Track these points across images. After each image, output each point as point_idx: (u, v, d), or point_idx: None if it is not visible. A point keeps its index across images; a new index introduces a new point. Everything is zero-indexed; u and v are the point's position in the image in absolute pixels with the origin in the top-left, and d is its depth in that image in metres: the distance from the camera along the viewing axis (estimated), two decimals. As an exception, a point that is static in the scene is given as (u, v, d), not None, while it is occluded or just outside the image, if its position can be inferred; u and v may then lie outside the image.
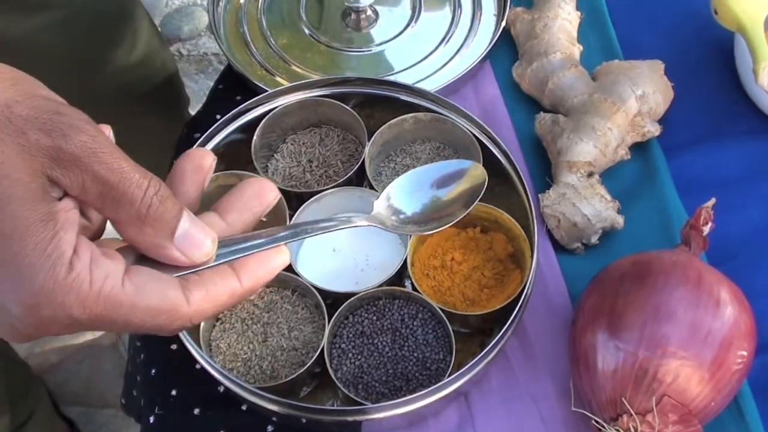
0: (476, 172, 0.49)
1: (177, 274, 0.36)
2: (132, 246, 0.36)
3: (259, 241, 0.38)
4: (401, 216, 0.48)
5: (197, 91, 1.70)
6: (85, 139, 0.32)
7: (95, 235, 0.37)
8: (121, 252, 0.35)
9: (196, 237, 0.36)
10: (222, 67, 0.83)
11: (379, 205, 0.48)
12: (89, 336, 1.41)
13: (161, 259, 0.35)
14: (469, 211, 0.47)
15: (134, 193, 0.33)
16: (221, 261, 0.37)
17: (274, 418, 0.59)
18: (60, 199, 0.33)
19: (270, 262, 0.39)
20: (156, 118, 1.13)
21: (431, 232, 0.47)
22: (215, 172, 0.64)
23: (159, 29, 1.79)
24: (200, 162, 0.39)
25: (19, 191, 0.31)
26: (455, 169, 0.49)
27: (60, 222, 0.32)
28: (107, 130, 0.36)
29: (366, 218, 0.46)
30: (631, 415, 0.50)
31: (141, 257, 0.36)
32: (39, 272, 0.31)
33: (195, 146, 0.65)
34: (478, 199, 0.48)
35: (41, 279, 0.31)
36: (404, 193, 0.48)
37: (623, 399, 0.51)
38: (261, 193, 0.40)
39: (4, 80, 0.33)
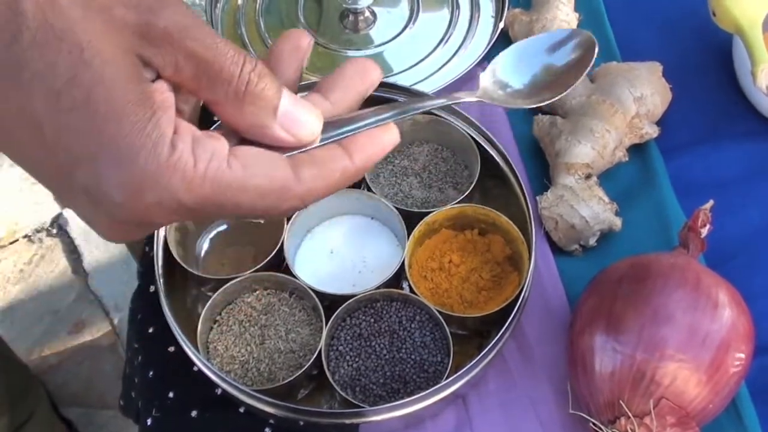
0: (584, 39, 0.45)
1: (286, 154, 0.34)
2: (233, 130, 0.33)
3: (367, 120, 0.36)
4: (508, 89, 0.44)
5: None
6: (175, 14, 0.30)
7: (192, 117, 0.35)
8: (225, 135, 0.33)
9: (300, 114, 0.34)
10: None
11: (485, 80, 0.45)
12: (88, 337, 1.41)
13: (265, 140, 0.33)
14: (580, 79, 0.44)
15: (231, 69, 0.31)
16: (329, 141, 0.35)
17: (271, 421, 0.59)
18: (153, 81, 0.31)
19: (381, 139, 0.36)
20: None
21: (543, 103, 0.44)
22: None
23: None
24: (298, 42, 0.36)
25: (111, 71, 0.29)
26: (561, 37, 0.46)
27: (157, 102, 0.30)
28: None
29: (474, 94, 0.43)
30: (629, 417, 0.50)
31: (243, 141, 0.33)
32: (140, 153, 0.29)
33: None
34: (588, 68, 0.44)
35: (143, 160, 0.29)
36: (511, 65, 0.45)
37: (621, 401, 0.51)
38: (364, 71, 0.38)
39: None
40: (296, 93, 0.35)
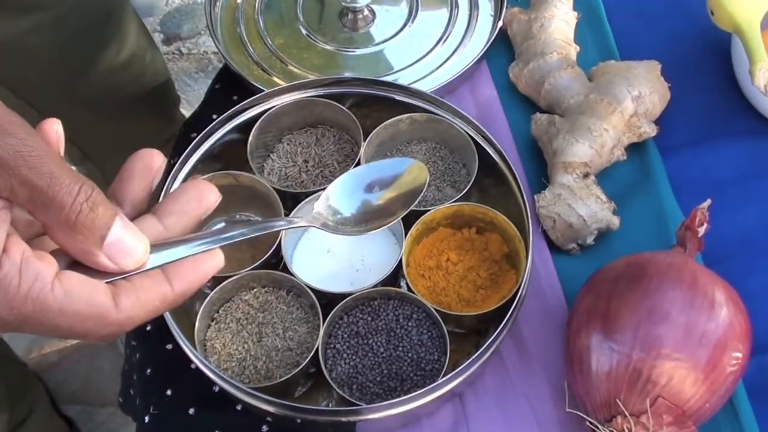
0: (417, 171, 0.48)
1: (107, 280, 0.36)
2: (64, 252, 0.35)
3: (196, 245, 0.38)
4: (338, 216, 0.47)
5: (197, 90, 1.70)
6: (13, 143, 0.32)
7: (39, 232, 0.36)
8: (55, 255, 0.35)
9: (127, 244, 0.35)
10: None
11: (320, 205, 0.47)
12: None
13: (91, 266, 0.35)
14: (407, 210, 0.46)
15: (63, 198, 0.33)
16: (152, 266, 0.37)
17: (268, 418, 0.59)
18: None
19: (203, 265, 0.38)
20: (146, 117, 1.14)
21: (366, 233, 0.47)
22: (211, 171, 0.64)
23: (159, 28, 1.80)
24: (150, 162, 0.38)
25: None
26: (395, 169, 0.48)
27: None
28: (55, 125, 0.36)
29: (306, 219, 0.46)
30: (626, 416, 0.50)
31: (74, 261, 0.36)
32: None
33: (191, 146, 0.65)
34: (417, 199, 0.47)
35: None
36: (344, 193, 0.48)
37: (617, 400, 0.51)
38: (200, 196, 0.39)
39: None
40: (145, 210, 0.38)
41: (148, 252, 0.36)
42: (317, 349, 0.57)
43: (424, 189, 0.47)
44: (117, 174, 0.38)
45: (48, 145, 0.34)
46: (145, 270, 0.36)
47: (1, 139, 0.32)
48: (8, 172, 0.32)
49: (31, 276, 0.32)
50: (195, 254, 0.37)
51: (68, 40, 0.94)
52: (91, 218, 0.34)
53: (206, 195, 0.39)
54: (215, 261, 0.38)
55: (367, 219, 0.47)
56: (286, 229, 0.43)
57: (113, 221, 0.35)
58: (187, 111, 1.28)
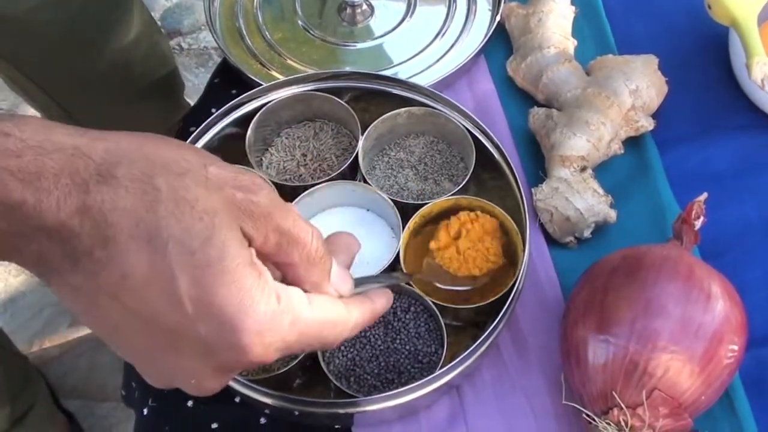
0: None
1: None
2: (297, 284, 0.40)
3: (372, 284, 0.47)
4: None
5: (197, 85, 1.70)
6: (268, 194, 0.37)
7: None
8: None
9: (342, 274, 0.42)
10: (222, 62, 0.83)
11: None
12: (88, 329, 1.41)
13: (320, 294, 0.41)
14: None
15: (305, 238, 0.38)
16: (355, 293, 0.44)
17: (266, 411, 0.59)
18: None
19: (386, 294, 0.46)
20: (152, 101, 1.14)
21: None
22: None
23: (159, 23, 1.80)
24: (349, 243, 0.47)
25: (233, 237, 0.35)
26: None
27: (259, 264, 0.36)
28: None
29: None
30: (622, 408, 0.50)
31: None
32: (260, 305, 0.35)
33: (189, 140, 0.65)
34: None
35: (263, 310, 0.35)
36: None
37: (614, 392, 0.51)
38: (350, 246, 0.46)
39: (188, 148, 0.37)
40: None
41: (352, 282, 0.43)
42: (315, 342, 0.57)
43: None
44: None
45: None
46: (354, 294, 0.44)
47: (260, 192, 0.36)
48: (267, 219, 0.36)
49: (297, 300, 0.38)
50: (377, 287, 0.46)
51: (75, 18, 0.95)
52: (322, 254, 0.40)
53: (355, 244, 0.47)
54: (391, 296, 0.47)
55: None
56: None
57: (332, 261, 0.41)
58: (190, 103, 1.29)
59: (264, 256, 0.38)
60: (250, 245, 0.36)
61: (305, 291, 0.40)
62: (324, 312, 0.39)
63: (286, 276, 0.40)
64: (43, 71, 1.01)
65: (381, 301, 0.45)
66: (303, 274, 0.39)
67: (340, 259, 0.44)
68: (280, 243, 0.38)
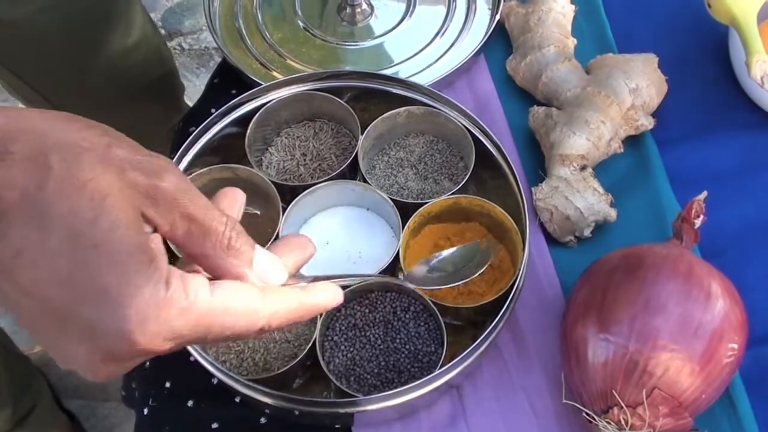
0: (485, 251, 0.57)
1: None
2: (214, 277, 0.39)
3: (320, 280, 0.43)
4: (441, 273, 0.55)
5: (198, 86, 1.70)
6: (176, 180, 0.35)
7: None
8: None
9: (269, 263, 0.40)
10: (223, 62, 0.83)
11: (421, 270, 0.55)
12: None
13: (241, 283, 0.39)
14: (480, 271, 0.55)
15: (218, 227, 0.37)
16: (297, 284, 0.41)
17: (266, 410, 0.59)
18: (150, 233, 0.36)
19: (332, 289, 0.42)
20: (152, 104, 1.14)
21: (455, 284, 0.55)
22: (210, 165, 0.65)
23: (160, 23, 1.80)
24: (234, 198, 0.43)
25: (126, 220, 0.34)
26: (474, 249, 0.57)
27: (155, 249, 0.35)
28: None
29: (412, 282, 0.55)
30: (622, 407, 0.50)
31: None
32: (144, 290, 0.34)
33: (189, 139, 0.65)
34: (486, 265, 0.55)
35: (147, 297, 0.34)
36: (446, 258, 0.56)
37: (614, 391, 0.51)
38: (304, 246, 0.43)
39: (95, 127, 0.36)
40: None
41: (286, 273, 0.41)
42: (315, 341, 0.57)
43: (491, 259, 0.56)
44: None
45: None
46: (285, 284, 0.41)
47: (165, 176, 0.35)
48: (173, 205, 0.35)
49: (194, 288, 0.35)
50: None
51: (75, 23, 0.95)
52: (241, 243, 0.38)
53: (309, 246, 0.44)
54: (340, 292, 0.43)
55: (455, 276, 0.55)
56: (391, 282, 0.55)
57: (255, 248, 0.39)
58: (189, 104, 1.29)
59: (179, 246, 0.37)
60: (156, 231, 0.36)
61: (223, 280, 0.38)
62: (228, 301, 0.37)
63: (203, 266, 0.38)
64: (41, 76, 1.01)
65: (322, 295, 0.42)
66: (219, 263, 0.38)
67: (290, 256, 0.42)
68: (190, 231, 0.36)
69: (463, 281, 0.54)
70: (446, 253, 0.57)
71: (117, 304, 0.33)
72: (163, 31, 1.80)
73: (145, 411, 0.62)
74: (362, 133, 0.65)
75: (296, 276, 0.43)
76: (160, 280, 0.34)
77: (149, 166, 0.35)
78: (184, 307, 0.35)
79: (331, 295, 0.42)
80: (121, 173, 0.34)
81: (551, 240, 0.65)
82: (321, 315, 0.58)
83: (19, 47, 0.94)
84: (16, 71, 0.98)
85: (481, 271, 0.55)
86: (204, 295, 0.36)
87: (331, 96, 0.67)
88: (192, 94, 1.51)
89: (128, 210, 0.34)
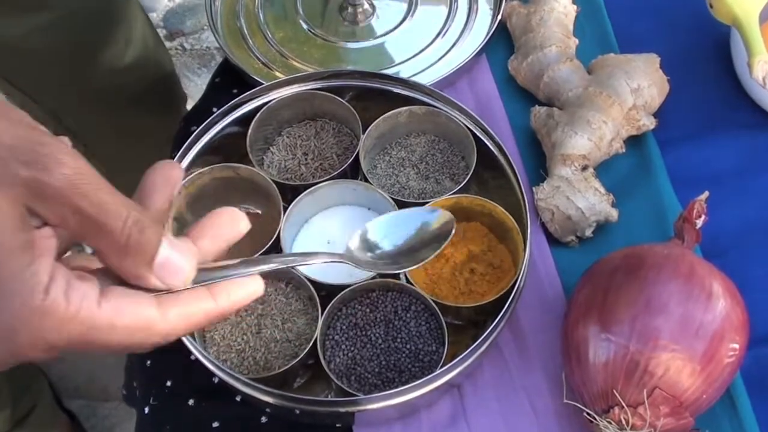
0: (445, 219, 0.52)
1: (154, 294, 0.36)
2: (113, 275, 0.36)
3: (236, 271, 0.39)
4: (377, 252, 0.51)
5: (200, 86, 1.70)
6: (67, 173, 0.32)
7: (67, 246, 0.37)
8: (100, 272, 0.36)
9: (175, 264, 0.36)
10: (225, 62, 0.83)
11: (354, 243, 0.51)
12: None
13: (141, 286, 0.36)
14: (437, 253, 0.50)
15: (113, 224, 0.34)
16: (197, 285, 0.38)
17: (267, 409, 0.59)
18: (39, 227, 0.34)
19: (245, 287, 0.39)
20: (153, 115, 1.14)
21: (400, 270, 0.52)
22: (211, 164, 0.65)
23: (162, 24, 1.80)
24: (169, 173, 0.39)
25: (3, 220, 0.31)
26: (426, 216, 0.53)
27: (38, 250, 0.32)
28: (66, 140, 0.36)
29: (340, 256, 0.49)
30: (623, 407, 0.50)
31: (120, 279, 0.36)
32: (15, 298, 0.32)
33: (191, 139, 0.65)
34: (446, 242, 0.51)
35: (18, 305, 0.32)
36: (381, 231, 0.52)
37: (615, 391, 0.51)
38: (233, 222, 0.40)
39: None
40: (167, 221, 0.38)
41: (195, 270, 0.37)
42: (316, 341, 0.57)
43: (451, 235, 0.51)
44: (138, 187, 0.38)
45: (98, 174, 0.34)
46: (191, 287, 0.37)
47: (55, 169, 0.32)
48: (61, 201, 0.33)
49: (78, 297, 0.33)
50: (237, 277, 0.39)
51: (75, 38, 0.95)
52: (141, 241, 0.34)
53: (238, 222, 0.40)
54: (256, 284, 0.40)
55: (400, 257, 0.51)
56: (318, 263, 0.47)
57: (162, 242, 0.35)
58: (190, 107, 1.29)
59: (75, 238, 0.35)
60: (46, 224, 0.33)
61: (122, 282, 0.35)
62: (115, 317, 0.34)
63: (104, 264, 0.36)
64: (42, 89, 1.01)
65: (234, 294, 0.39)
66: (115, 264, 0.35)
67: (205, 244, 0.39)
68: (82, 226, 0.33)
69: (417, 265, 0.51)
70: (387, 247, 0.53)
71: None
72: (164, 31, 1.80)
73: (146, 410, 0.62)
74: (363, 133, 0.65)
75: (220, 261, 0.39)
76: (36, 286, 0.32)
77: (36, 157, 0.32)
78: (62, 319, 0.33)
79: (245, 293, 0.39)
80: (4, 167, 0.32)
81: (552, 240, 0.65)
82: (322, 314, 0.58)
83: (17, 62, 0.94)
84: (12, 82, 0.98)
85: (437, 252, 0.51)
86: (88, 308, 0.33)
87: (333, 95, 0.67)
88: (194, 95, 1.51)
89: (8, 208, 0.32)
